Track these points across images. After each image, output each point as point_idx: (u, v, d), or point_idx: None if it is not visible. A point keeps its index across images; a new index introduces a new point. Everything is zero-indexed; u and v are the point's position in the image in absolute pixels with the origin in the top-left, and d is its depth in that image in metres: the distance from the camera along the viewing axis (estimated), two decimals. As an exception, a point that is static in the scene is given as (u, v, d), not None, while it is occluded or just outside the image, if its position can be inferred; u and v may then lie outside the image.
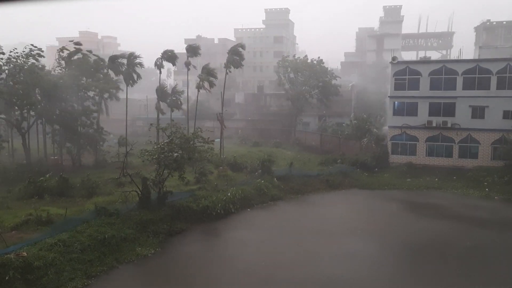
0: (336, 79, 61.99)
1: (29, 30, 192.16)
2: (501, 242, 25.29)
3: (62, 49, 43.19)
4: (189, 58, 48.28)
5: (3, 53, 39.14)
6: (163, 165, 28.62)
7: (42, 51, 40.78)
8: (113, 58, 45.20)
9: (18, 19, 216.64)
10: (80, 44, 43.80)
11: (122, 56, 46.06)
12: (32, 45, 40.99)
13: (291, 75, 62.23)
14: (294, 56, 70.45)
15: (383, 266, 22.04)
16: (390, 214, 31.30)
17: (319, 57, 62.30)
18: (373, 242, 25.21)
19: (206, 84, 46.26)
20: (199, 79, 46.55)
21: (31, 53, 39.88)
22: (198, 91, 47.05)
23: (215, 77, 47.51)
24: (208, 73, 46.47)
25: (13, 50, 39.49)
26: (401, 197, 35.84)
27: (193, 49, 48.19)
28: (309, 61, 62.67)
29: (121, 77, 46.01)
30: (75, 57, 43.22)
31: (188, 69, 47.93)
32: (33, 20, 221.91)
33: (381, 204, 34.13)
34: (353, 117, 52.63)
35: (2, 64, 39.05)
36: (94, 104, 44.66)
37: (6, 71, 39.47)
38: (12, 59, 39.28)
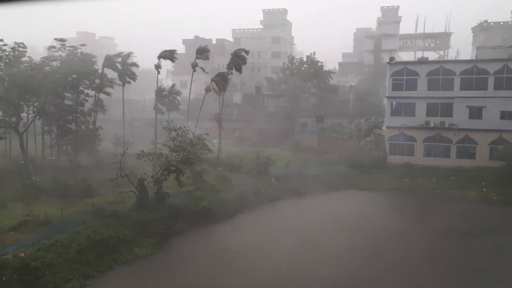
0: (331, 77, 62.00)
1: (26, 30, 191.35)
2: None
3: (50, 48, 43.37)
4: (196, 59, 47.68)
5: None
6: (162, 167, 28.60)
7: (25, 48, 40.14)
8: (109, 58, 45.64)
9: (14, 19, 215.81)
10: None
11: (118, 55, 46.33)
12: (15, 42, 40.45)
13: (282, 75, 62.58)
14: (290, 54, 70.70)
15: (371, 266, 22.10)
16: (392, 222, 31.11)
17: (310, 53, 62.58)
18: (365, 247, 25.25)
19: (215, 87, 45.89)
20: (211, 81, 46.11)
21: (17, 50, 39.38)
22: (206, 93, 46.98)
23: (227, 83, 47.16)
24: (222, 78, 46.06)
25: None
26: (399, 199, 35.87)
27: (201, 51, 46.98)
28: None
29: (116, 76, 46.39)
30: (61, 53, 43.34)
31: (195, 71, 47.54)
32: (31, 21, 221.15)
33: (379, 208, 34.05)
34: (357, 120, 52.26)
35: None
36: (89, 101, 44.52)
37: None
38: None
